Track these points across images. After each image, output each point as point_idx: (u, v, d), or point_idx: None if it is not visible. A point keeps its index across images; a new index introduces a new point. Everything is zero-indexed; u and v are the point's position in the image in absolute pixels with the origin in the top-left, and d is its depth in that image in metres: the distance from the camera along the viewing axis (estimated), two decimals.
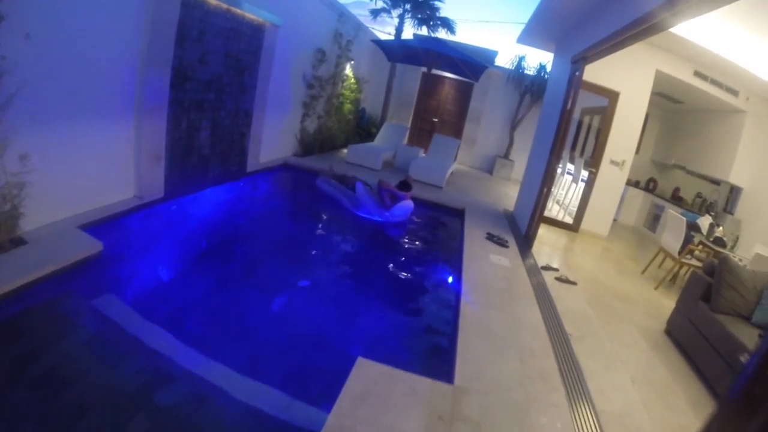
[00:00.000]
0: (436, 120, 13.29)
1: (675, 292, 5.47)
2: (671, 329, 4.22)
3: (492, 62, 12.57)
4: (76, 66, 3.61)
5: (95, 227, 3.88)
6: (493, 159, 12.65)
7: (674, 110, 9.64)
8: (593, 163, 7.54)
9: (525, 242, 6.00)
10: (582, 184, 7.95)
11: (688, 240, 5.69)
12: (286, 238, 5.38)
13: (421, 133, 12.70)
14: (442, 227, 7.07)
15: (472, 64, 9.53)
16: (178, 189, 5.40)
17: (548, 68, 11.12)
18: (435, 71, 12.41)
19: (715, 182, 8.70)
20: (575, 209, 7.91)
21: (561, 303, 4.28)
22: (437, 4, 11.40)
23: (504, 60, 12.61)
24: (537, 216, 5.95)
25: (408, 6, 11.34)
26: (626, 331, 4.11)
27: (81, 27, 3.57)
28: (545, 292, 4.43)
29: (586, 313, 4.27)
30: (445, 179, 8.57)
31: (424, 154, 10.57)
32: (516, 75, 11.88)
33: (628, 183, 8.96)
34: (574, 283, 4.88)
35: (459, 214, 7.03)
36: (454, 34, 11.66)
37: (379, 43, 9.02)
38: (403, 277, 4.92)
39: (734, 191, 7.94)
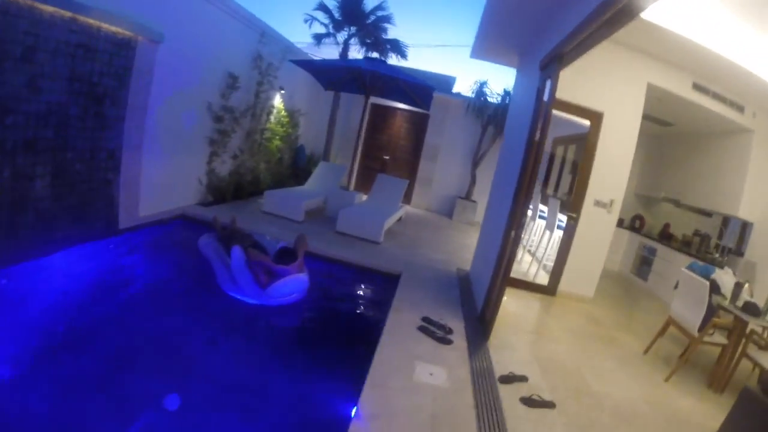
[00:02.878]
0: (387, 157, 12.39)
1: (692, 379, 4.47)
2: None
3: (449, 89, 11.93)
4: None
5: None
6: (453, 200, 11.74)
7: (662, 135, 8.96)
8: (573, 206, 6.46)
9: (479, 328, 4.66)
10: (559, 232, 6.95)
11: (711, 311, 4.48)
12: (148, 327, 4.19)
13: (370, 172, 11.75)
14: (357, 310, 5.54)
15: (416, 87, 8.63)
16: (5, 256, 4.26)
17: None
18: (384, 101, 11.71)
19: (706, 214, 8.00)
20: (552, 263, 6.81)
21: None
22: (385, 25, 10.74)
23: (465, 87, 11.95)
24: (498, 283, 4.64)
25: (353, 28, 10.63)
26: None
27: None
28: None
29: None
30: (383, 231, 7.45)
31: (364, 199, 9.56)
32: (477, 103, 11.13)
33: None
34: (551, 405, 3.42)
35: (392, 283, 5.75)
36: (406, 59, 10.95)
37: (298, 63, 8.13)
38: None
39: (731, 224, 7.23)
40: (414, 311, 4.73)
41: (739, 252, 7.05)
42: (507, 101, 10.60)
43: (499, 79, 17.47)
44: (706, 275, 5.36)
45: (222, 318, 4.56)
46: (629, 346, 5.22)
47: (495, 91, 11.14)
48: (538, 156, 4.41)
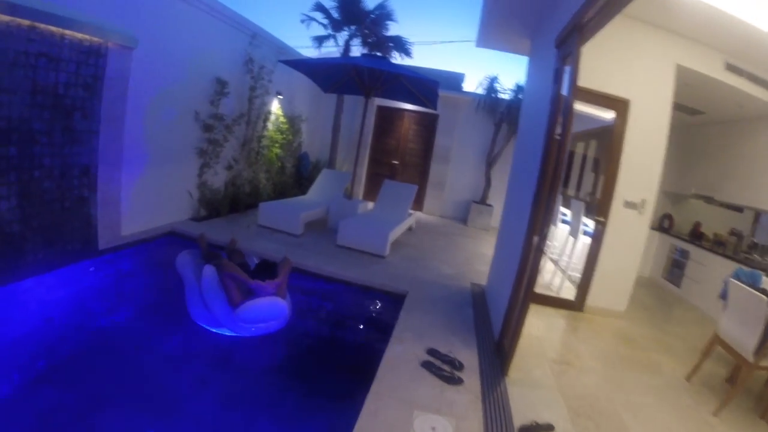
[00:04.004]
0: (396, 162, 11.99)
1: (741, 409, 3.91)
2: None
3: (458, 87, 11.46)
4: None
5: None
6: (467, 205, 11.26)
7: (691, 125, 8.35)
8: (599, 209, 5.85)
9: (496, 360, 4.10)
10: (584, 239, 6.40)
11: None
12: (119, 359, 3.81)
13: (379, 179, 11.22)
14: (350, 341, 4.92)
15: (418, 83, 8.11)
16: None
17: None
18: (390, 103, 11.29)
19: (737, 209, 7.45)
20: (577, 273, 6.22)
21: None
22: (387, 22, 10.28)
23: (474, 85, 11.43)
24: (519, 302, 4.03)
25: (353, 28, 10.18)
26: None
27: None
28: None
29: None
30: (388, 244, 6.93)
31: (370, 208, 9.10)
32: (488, 100, 10.66)
33: None
34: None
35: (396, 304, 5.22)
36: (410, 57, 10.49)
37: (289, 63, 7.68)
38: None
39: (762, 220, 6.70)
40: (418, 341, 4.21)
41: None
42: (520, 96, 10.10)
43: (510, 74, 16.80)
44: (753, 283, 4.84)
45: (194, 349, 4.16)
46: (670, 371, 4.65)
47: (506, 87, 10.66)
48: (562, 150, 3.73)
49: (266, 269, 4.79)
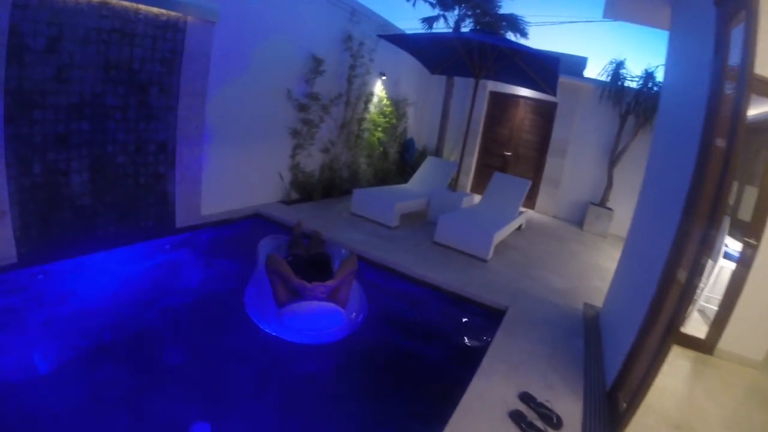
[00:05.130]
0: (508, 154, 11.07)
1: None
2: None
3: (580, 72, 10.38)
4: None
5: None
6: (584, 206, 10.00)
7: None
8: (750, 227, 4.51)
9: (605, 414, 3.23)
10: (725, 264, 5.11)
11: None
12: (174, 344, 3.74)
13: (489, 171, 10.39)
14: (424, 369, 3.95)
15: (535, 61, 7.13)
16: (42, 252, 4.16)
17: (659, 74, 8.57)
18: (504, 88, 10.56)
19: None
20: (712, 305, 5.02)
21: None
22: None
23: (597, 72, 10.19)
24: (649, 347, 3.05)
25: (463, 6, 9.51)
26: None
27: None
28: None
29: None
30: (492, 245, 6.12)
31: (476, 202, 8.34)
32: (614, 88, 9.26)
33: None
34: None
35: (492, 321, 4.49)
36: (526, 38, 9.61)
37: (389, 38, 7.21)
38: None
39: None
40: (512, 376, 3.47)
41: None
42: (650, 85, 8.84)
43: (640, 60, 15.03)
44: None
45: (239, 345, 3.83)
46: None
47: (635, 74, 9.40)
48: (733, 156, 2.44)
49: (323, 266, 4.43)
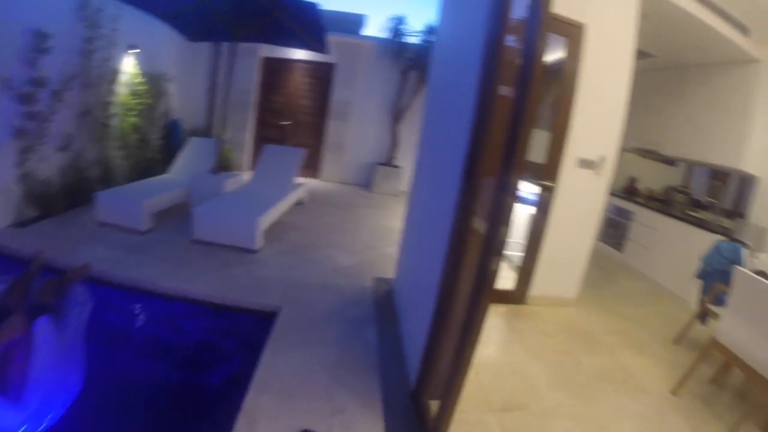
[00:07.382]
0: (288, 123, 10.27)
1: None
2: None
3: (358, 30, 10.10)
4: None
5: None
6: (372, 168, 9.92)
7: (639, 71, 7.55)
8: (545, 170, 4.52)
9: (417, 426, 2.68)
10: (525, 209, 5.13)
11: None
12: None
13: (267, 143, 9.77)
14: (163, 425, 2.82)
15: (299, 16, 6.39)
16: None
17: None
18: (278, 52, 9.75)
19: (668, 162, 6.92)
20: (516, 252, 5.04)
21: None
22: None
23: (379, 29, 10.03)
24: (452, 314, 2.61)
25: None
26: None
27: None
28: None
29: None
30: (260, 231, 5.37)
31: (247, 181, 7.45)
32: (393, 45, 9.21)
33: None
34: None
35: (262, 332, 3.60)
36: None
37: (129, 1, 5.97)
38: None
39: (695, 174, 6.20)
40: (283, 415, 2.61)
41: (738, 213, 5.91)
42: (431, 40, 8.90)
43: (421, 16, 15.58)
44: (734, 258, 4.11)
45: None
46: (648, 382, 3.61)
47: (415, 29, 9.41)
48: (529, 104, 2.02)
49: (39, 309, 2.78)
